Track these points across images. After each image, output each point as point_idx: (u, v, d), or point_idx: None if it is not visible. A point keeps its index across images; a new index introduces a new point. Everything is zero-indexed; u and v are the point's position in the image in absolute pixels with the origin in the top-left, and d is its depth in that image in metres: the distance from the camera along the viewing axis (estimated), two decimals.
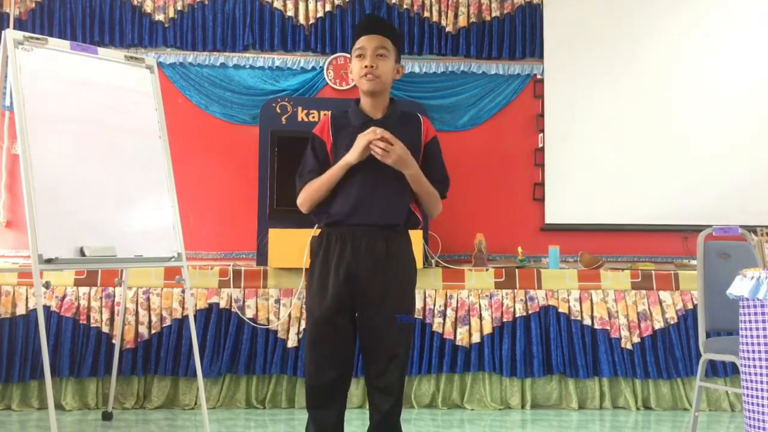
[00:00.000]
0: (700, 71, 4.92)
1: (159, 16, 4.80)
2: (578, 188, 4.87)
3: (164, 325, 3.96)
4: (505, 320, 4.09)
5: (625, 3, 4.97)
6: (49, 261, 2.83)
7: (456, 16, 4.96)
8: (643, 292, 4.17)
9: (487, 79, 4.98)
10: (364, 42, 2.34)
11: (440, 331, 4.07)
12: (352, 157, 2.28)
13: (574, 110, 4.91)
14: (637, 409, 4.07)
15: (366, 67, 2.32)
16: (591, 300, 4.14)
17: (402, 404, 2.37)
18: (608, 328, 4.10)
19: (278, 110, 4.58)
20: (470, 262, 4.49)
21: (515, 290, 4.14)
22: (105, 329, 3.89)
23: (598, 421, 3.87)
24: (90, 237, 2.99)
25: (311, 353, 2.34)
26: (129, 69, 3.40)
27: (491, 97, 4.98)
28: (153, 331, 3.95)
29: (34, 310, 3.79)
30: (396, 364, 2.31)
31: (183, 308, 3.96)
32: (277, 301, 4.06)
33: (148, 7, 4.79)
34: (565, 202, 4.87)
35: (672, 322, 4.12)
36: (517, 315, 4.10)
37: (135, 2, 4.79)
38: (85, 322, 3.89)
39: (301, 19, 4.86)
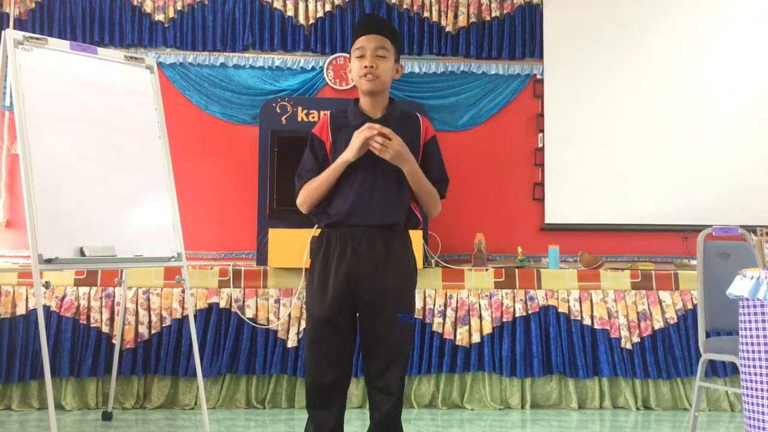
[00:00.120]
0: (699, 71, 4.93)
1: (159, 16, 4.80)
2: (578, 188, 4.87)
3: (164, 325, 3.96)
4: (504, 320, 4.09)
5: (625, 3, 4.97)
6: (49, 261, 2.83)
7: (456, 16, 4.96)
8: (643, 292, 4.17)
9: (486, 79, 4.97)
10: (363, 42, 2.34)
11: (440, 331, 4.07)
12: (349, 154, 2.28)
13: (573, 110, 4.91)
14: (637, 409, 4.07)
15: (366, 67, 2.32)
16: (591, 300, 4.14)
17: (402, 404, 2.37)
18: (608, 328, 4.10)
19: (278, 110, 4.58)
20: (470, 262, 4.49)
21: (515, 290, 4.14)
22: (105, 329, 3.89)
23: (597, 421, 3.87)
24: (90, 237, 2.99)
25: (311, 353, 2.34)
26: (129, 69, 3.40)
27: (491, 97, 4.97)
28: (153, 331, 3.95)
29: (34, 310, 3.79)
30: (397, 363, 2.31)
31: (183, 308, 3.96)
32: (277, 301, 4.06)
33: (147, 7, 4.79)
34: (565, 202, 4.87)
35: (672, 322, 4.12)
36: (517, 315, 4.10)
37: (135, 2, 4.79)
38: (85, 322, 3.89)
39: (301, 19, 4.86)
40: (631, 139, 4.89)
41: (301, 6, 4.87)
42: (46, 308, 3.82)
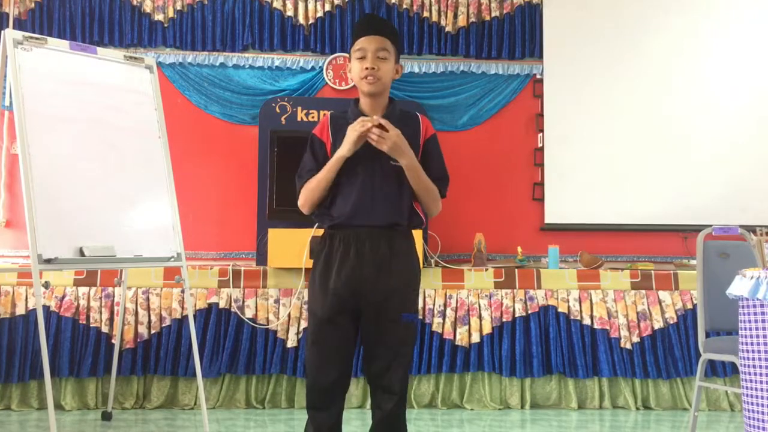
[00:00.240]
0: (699, 71, 4.93)
1: (158, 16, 4.80)
2: (578, 188, 4.87)
3: (164, 325, 3.96)
4: (504, 320, 4.09)
5: (625, 3, 4.97)
6: (48, 261, 2.83)
7: (455, 16, 4.96)
8: (643, 291, 4.17)
9: (486, 79, 4.97)
10: (364, 43, 2.33)
11: (440, 331, 4.07)
12: (344, 149, 2.27)
13: (573, 110, 4.90)
14: (637, 408, 4.07)
15: (367, 69, 2.30)
16: (590, 300, 4.14)
17: (406, 403, 2.36)
18: (608, 327, 4.10)
19: (278, 110, 4.58)
20: (470, 261, 4.49)
21: (515, 290, 4.14)
22: (104, 329, 3.89)
23: (597, 421, 3.87)
24: (89, 237, 2.99)
25: (313, 353, 2.34)
26: (128, 69, 3.40)
27: (491, 97, 4.97)
28: (152, 331, 3.95)
29: (34, 310, 3.79)
30: (400, 362, 2.30)
31: (182, 308, 3.96)
32: (277, 301, 4.06)
33: (147, 6, 4.79)
34: (565, 202, 4.87)
35: (671, 322, 4.12)
36: (517, 315, 4.10)
37: (134, 2, 4.79)
38: (84, 322, 3.89)
39: (301, 19, 4.86)
40: (631, 139, 4.89)
41: (301, 6, 4.87)
42: (46, 308, 3.82)
